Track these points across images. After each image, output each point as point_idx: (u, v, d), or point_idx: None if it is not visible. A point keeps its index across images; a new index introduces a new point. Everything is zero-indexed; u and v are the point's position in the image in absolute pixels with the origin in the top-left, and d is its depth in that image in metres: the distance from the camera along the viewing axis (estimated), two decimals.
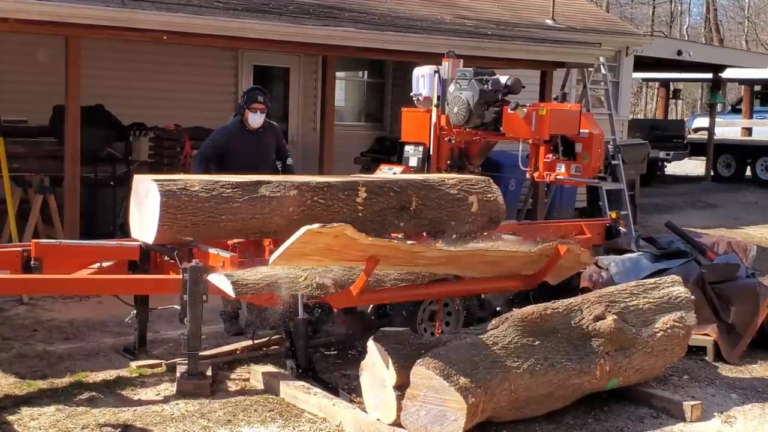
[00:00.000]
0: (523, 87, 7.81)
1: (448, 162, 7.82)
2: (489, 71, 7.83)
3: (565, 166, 7.23)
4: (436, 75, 7.92)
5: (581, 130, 7.21)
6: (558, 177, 7.34)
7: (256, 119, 7.44)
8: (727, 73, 21.63)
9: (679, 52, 18.10)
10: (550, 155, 7.30)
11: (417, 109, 8.20)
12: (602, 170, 7.72)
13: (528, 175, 7.64)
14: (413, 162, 7.95)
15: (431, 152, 7.86)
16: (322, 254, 5.24)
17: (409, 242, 6.60)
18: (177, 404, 5.44)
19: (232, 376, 6.02)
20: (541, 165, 7.38)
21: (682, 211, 16.36)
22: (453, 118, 7.60)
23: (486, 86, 7.49)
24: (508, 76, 7.70)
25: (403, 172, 7.67)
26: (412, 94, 8.25)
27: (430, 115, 7.93)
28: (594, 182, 7.47)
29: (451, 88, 7.69)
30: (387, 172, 7.70)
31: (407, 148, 8.10)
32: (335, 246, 5.16)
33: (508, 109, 7.35)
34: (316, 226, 4.97)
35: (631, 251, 7.54)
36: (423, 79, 8.06)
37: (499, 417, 5.14)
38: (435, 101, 7.86)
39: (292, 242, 4.97)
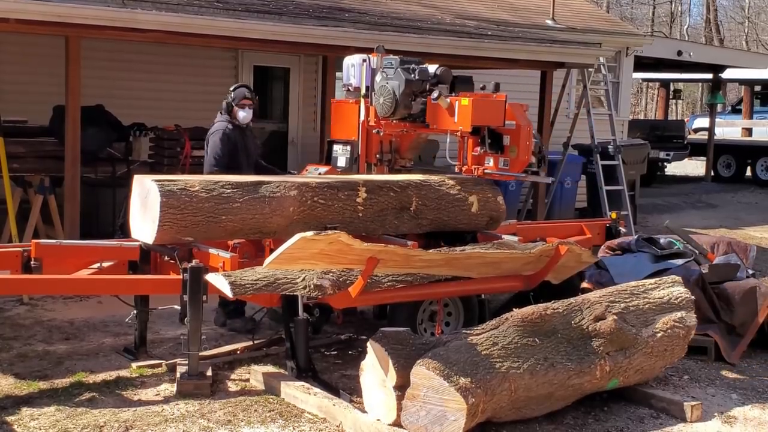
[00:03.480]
0: (455, 77, 7.30)
1: (378, 156, 7.46)
2: (417, 60, 7.30)
3: (494, 160, 6.86)
4: (365, 64, 7.44)
5: (508, 122, 6.76)
6: (486, 171, 6.89)
7: (245, 115, 7.49)
8: (727, 74, 21.62)
9: (680, 53, 18.10)
10: (478, 148, 6.91)
11: (346, 101, 7.70)
12: (537, 164, 7.11)
13: (457, 170, 7.19)
14: (341, 162, 7.59)
15: (360, 145, 7.48)
16: (316, 259, 5.26)
17: (409, 243, 6.63)
18: (177, 404, 5.44)
19: (233, 376, 6.02)
20: (470, 158, 6.98)
21: (682, 212, 16.36)
22: (379, 109, 7.16)
23: (413, 75, 7.03)
24: (437, 65, 7.18)
25: (329, 172, 7.37)
26: (342, 84, 7.83)
27: (359, 107, 7.46)
28: (522, 176, 6.97)
29: (378, 77, 7.23)
30: (313, 173, 7.38)
31: (335, 147, 7.72)
32: (329, 251, 5.18)
33: (431, 99, 6.92)
34: (310, 233, 4.98)
35: (631, 251, 7.55)
36: (353, 69, 7.59)
37: (499, 417, 5.14)
38: (364, 91, 7.40)
39: (285, 248, 4.98)
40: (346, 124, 7.60)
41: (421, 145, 7.87)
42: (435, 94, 6.79)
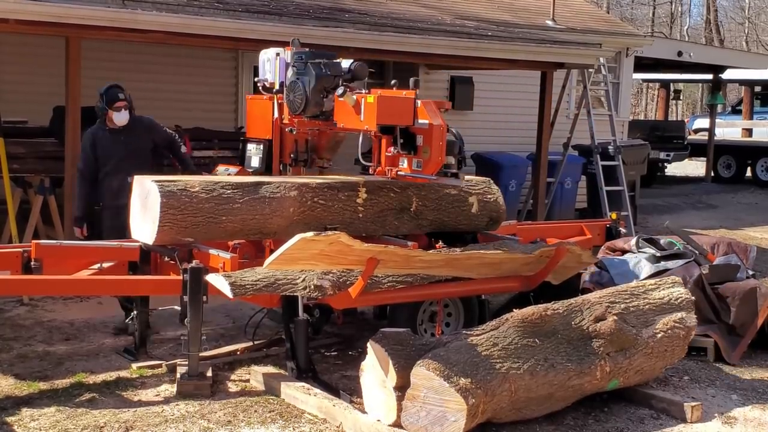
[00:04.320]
0: (372, 71, 6.74)
1: (292, 156, 7.00)
2: (330, 54, 6.85)
3: (408, 161, 6.36)
4: (279, 58, 6.96)
5: (421, 121, 6.23)
6: (399, 173, 6.36)
7: (121, 118, 7.21)
8: (727, 74, 21.62)
9: (680, 53, 18.10)
10: (392, 148, 6.37)
11: (261, 97, 7.22)
12: (458, 166, 6.48)
13: (371, 171, 6.64)
14: (255, 162, 7.14)
15: (273, 145, 7.04)
16: (316, 259, 5.26)
17: (409, 243, 6.63)
18: (177, 405, 5.44)
19: (233, 377, 6.02)
20: (383, 159, 6.44)
21: (682, 212, 16.36)
22: (290, 105, 6.75)
23: (324, 70, 6.58)
24: (352, 60, 6.75)
25: (239, 173, 6.94)
26: (256, 79, 7.28)
27: (273, 103, 7.05)
28: (433, 179, 6.39)
29: (290, 72, 6.80)
30: (222, 173, 6.97)
31: (249, 146, 7.24)
32: (330, 252, 5.18)
33: (337, 96, 6.44)
34: (310, 234, 4.98)
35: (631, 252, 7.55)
36: (268, 63, 7.11)
37: (499, 418, 5.14)
38: (277, 87, 6.97)
39: (285, 249, 4.98)
40: (260, 122, 7.17)
41: (340, 145, 7.32)
42: (340, 91, 6.32)
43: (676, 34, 44.06)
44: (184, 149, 7.58)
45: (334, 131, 6.90)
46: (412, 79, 6.44)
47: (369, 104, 6.20)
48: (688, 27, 47.21)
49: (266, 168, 7.00)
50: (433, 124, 6.16)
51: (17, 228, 8.30)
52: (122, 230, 6.81)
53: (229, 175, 6.88)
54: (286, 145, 6.99)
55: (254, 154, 7.12)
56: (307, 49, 6.79)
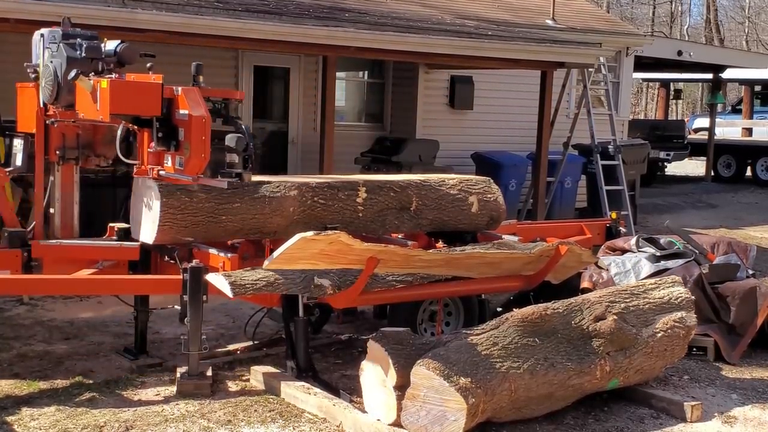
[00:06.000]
0: (152, 56, 5.90)
1: (59, 152, 6.14)
2: (90, 34, 5.94)
3: (171, 159, 5.60)
4: (42, 40, 6.08)
5: (182, 111, 5.47)
6: (161, 173, 5.64)
7: None
8: (727, 74, 21.64)
9: (680, 53, 18.11)
10: (154, 144, 5.64)
11: (28, 84, 6.35)
12: (243, 165, 5.61)
13: (135, 171, 5.92)
14: (18, 161, 6.30)
15: (36, 139, 6.19)
16: (316, 258, 5.26)
17: (409, 243, 6.64)
18: (177, 404, 5.44)
19: (233, 376, 6.02)
20: (145, 156, 5.70)
21: (682, 212, 16.37)
22: (43, 93, 5.97)
23: (78, 52, 5.72)
24: (119, 41, 5.87)
25: None
26: (26, 64, 6.33)
27: (38, 92, 6.17)
28: (191, 179, 5.57)
29: (46, 55, 5.96)
30: None
31: (15, 142, 6.37)
32: (330, 251, 5.19)
33: (70, 79, 5.61)
34: (310, 233, 4.99)
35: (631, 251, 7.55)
36: (36, 46, 6.31)
37: (499, 417, 5.14)
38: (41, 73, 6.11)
39: (286, 248, 4.99)
40: (27, 113, 6.28)
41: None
42: (72, 74, 5.49)
43: (676, 33, 44.08)
44: None
45: (110, 126, 6.07)
46: (193, 64, 5.69)
47: (103, 90, 5.40)
48: (688, 26, 47.27)
49: (29, 166, 6.25)
50: (192, 115, 5.39)
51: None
52: None
53: None
54: (52, 140, 6.14)
55: (18, 150, 6.35)
56: (59, 29, 5.93)
